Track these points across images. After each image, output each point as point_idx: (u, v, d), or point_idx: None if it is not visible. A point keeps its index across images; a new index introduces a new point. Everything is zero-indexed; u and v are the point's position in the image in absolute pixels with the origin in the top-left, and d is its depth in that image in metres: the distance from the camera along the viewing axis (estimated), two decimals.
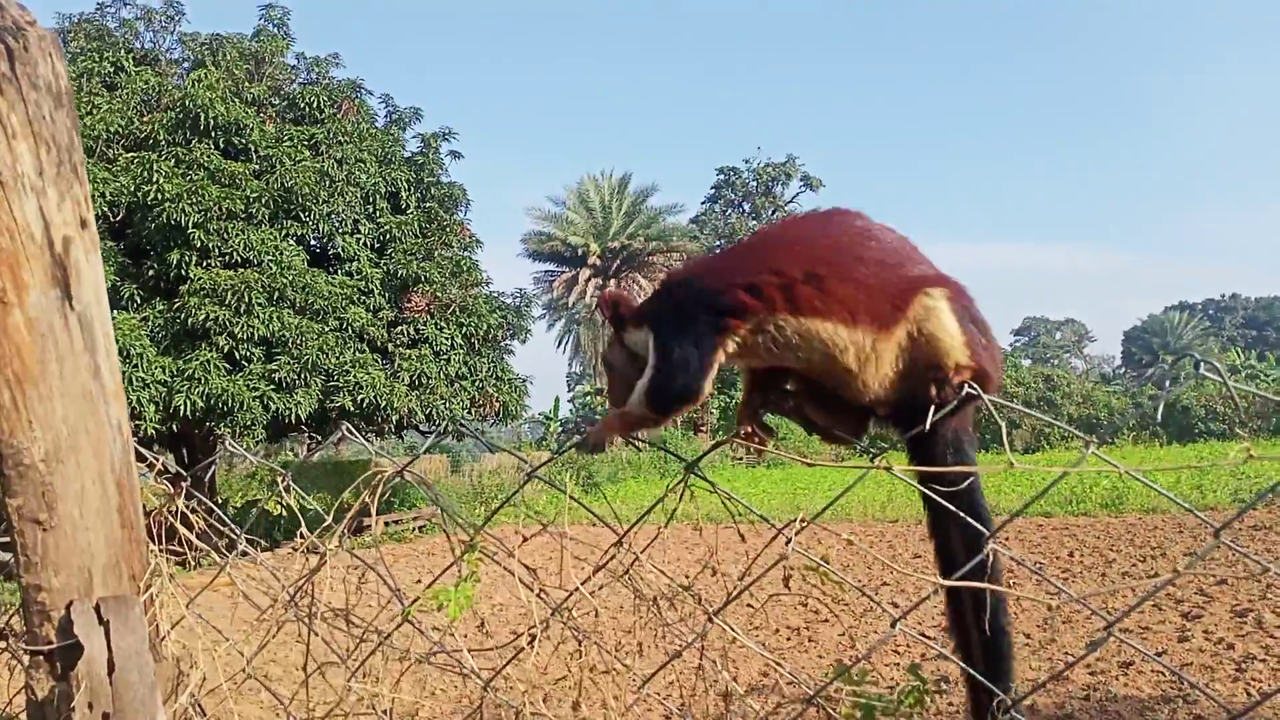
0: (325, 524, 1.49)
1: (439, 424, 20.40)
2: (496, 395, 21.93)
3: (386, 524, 18.75)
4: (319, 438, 20.88)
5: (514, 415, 23.74)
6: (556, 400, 50.26)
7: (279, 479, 1.68)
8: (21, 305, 1.45)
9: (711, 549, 1.28)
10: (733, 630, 1.20)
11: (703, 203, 48.16)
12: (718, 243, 45.57)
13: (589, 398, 51.46)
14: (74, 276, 1.49)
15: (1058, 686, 7.04)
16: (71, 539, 1.48)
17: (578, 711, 1.25)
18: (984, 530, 1.37)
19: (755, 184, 46.25)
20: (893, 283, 1.60)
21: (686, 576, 1.31)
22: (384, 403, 18.05)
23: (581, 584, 1.24)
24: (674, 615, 1.26)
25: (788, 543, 1.16)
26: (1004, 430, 1.06)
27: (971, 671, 1.27)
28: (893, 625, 1.18)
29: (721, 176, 47.32)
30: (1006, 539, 15.16)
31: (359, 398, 17.59)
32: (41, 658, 1.47)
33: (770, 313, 1.57)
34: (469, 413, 21.44)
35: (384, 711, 1.36)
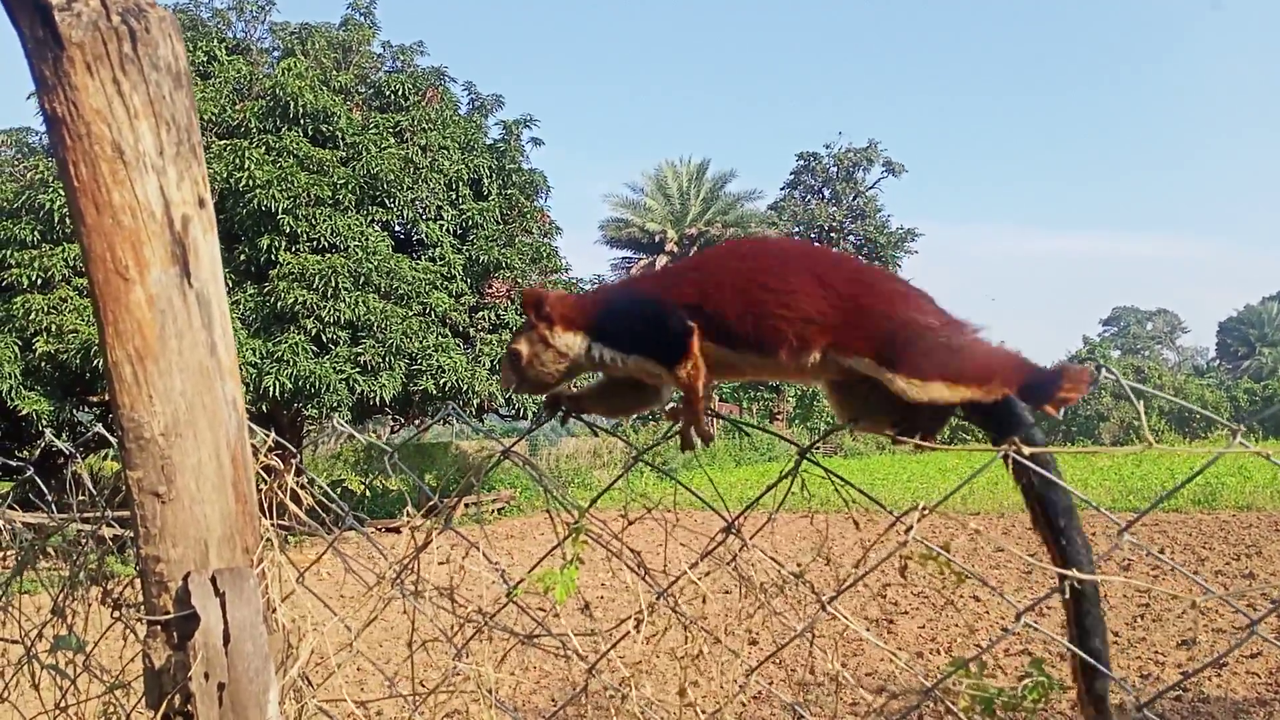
0: (431, 503, 1.51)
1: (518, 408, 20.67)
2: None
3: (466, 505, 19.02)
4: (402, 420, 21.30)
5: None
6: None
7: (386, 458, 1.70)
8: (143, 282, 1.48)
9: (822, 535, 1.25)
10: (846, 619, 1.17)
11: (782, 188, 47.63)
12: (796, 229, 45.08)
13: None
14: (192, 254, 1.52)
15: (1147, 686, 6.84)
16: (189, 511, 1.51)
17: (684, 697, 1.23)
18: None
19: (836, 169, 45.59)
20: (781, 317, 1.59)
21: (799, 564, 1.28)
22: (465, 386, 18.31)
23: (690, 568, 1.23)
24: (781, 603, 1.24)
25: (907, 530, 1.13)
26: (1141, 412, 1.00)
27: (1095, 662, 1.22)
28: (1017, 618, 1.14)
29: (801, 162, 46.74)
30: (1093, 534, 14.73)
31: (441, 381, 17.87)
32: (158, 627, 1.51)
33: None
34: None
35: (488, 690, 1.36)
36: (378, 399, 17.26)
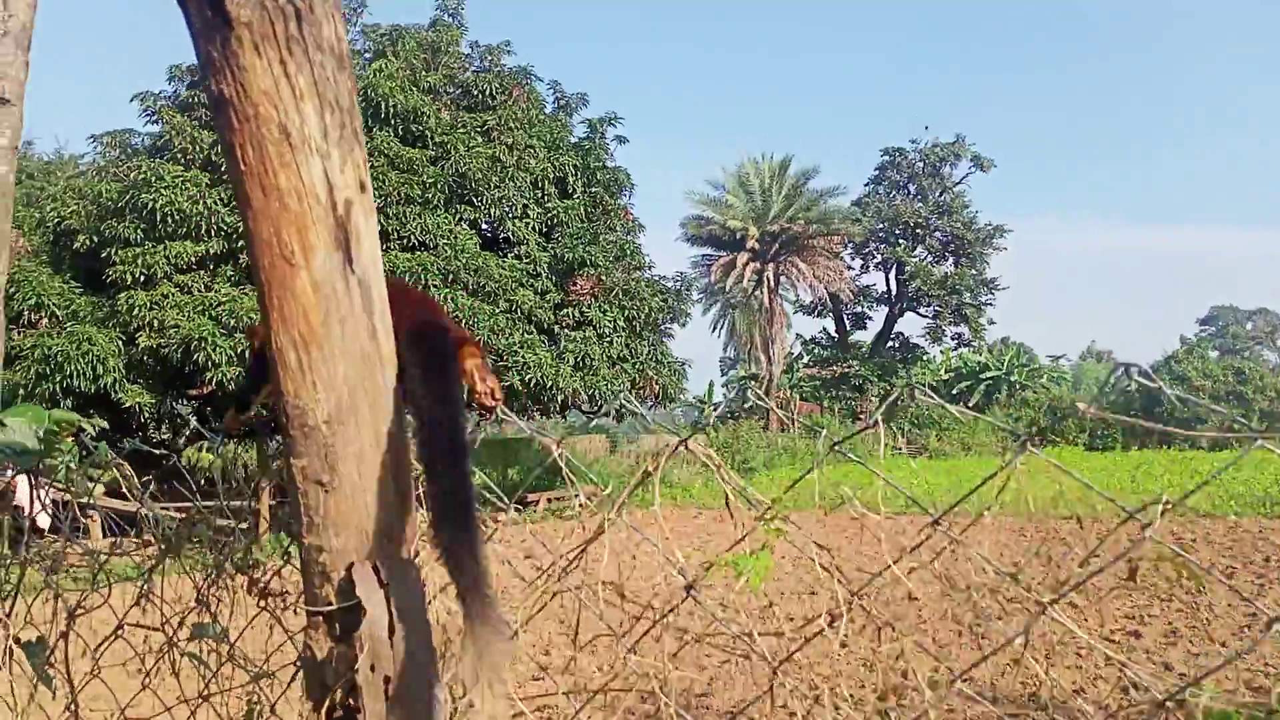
0: (607, 491, 1.45)
1: (600, 405, 20.78)
2: (656, 378, 22.17)
3: (549, 501, 19.10)
4: (484, 415, 21.50)
5: (672, 398, 23.92)
6: (710, 384, 50.28)
7: (556, 449, 1.65)
8: (308, 267, 1.45)
9: (1042, 534, 1.17)
10: (1066, 623, 1.08)
11: (866, 185, 46.88)
12: (880, 225, 44.32)
13: (743, 382, 51.20)
14: (354, 239, 1.49)
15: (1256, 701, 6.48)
16: (351, 500, 1.48)
17: (885, 701, 1.15)
18: None
19: (922, 165, 44.71)
20: None
21: (1014, 565, 1.19)
22: (550, 383, 18.44)
23: (893, 563, 1.14)
24: (992, 606, 1.15)
25: (1144, 528, 1.03)
26: None
27: None
28: (1268, 627, 1.03)
29: (886, 158, 45.93)
30: (1193, 540, 14.10)
31: (526, 377, 18.00)
32: (320, 618, 1.48)
33: None
34: (629, 394, 21.70)
35: (660, 687, 1.30)
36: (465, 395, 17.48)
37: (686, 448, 1.36)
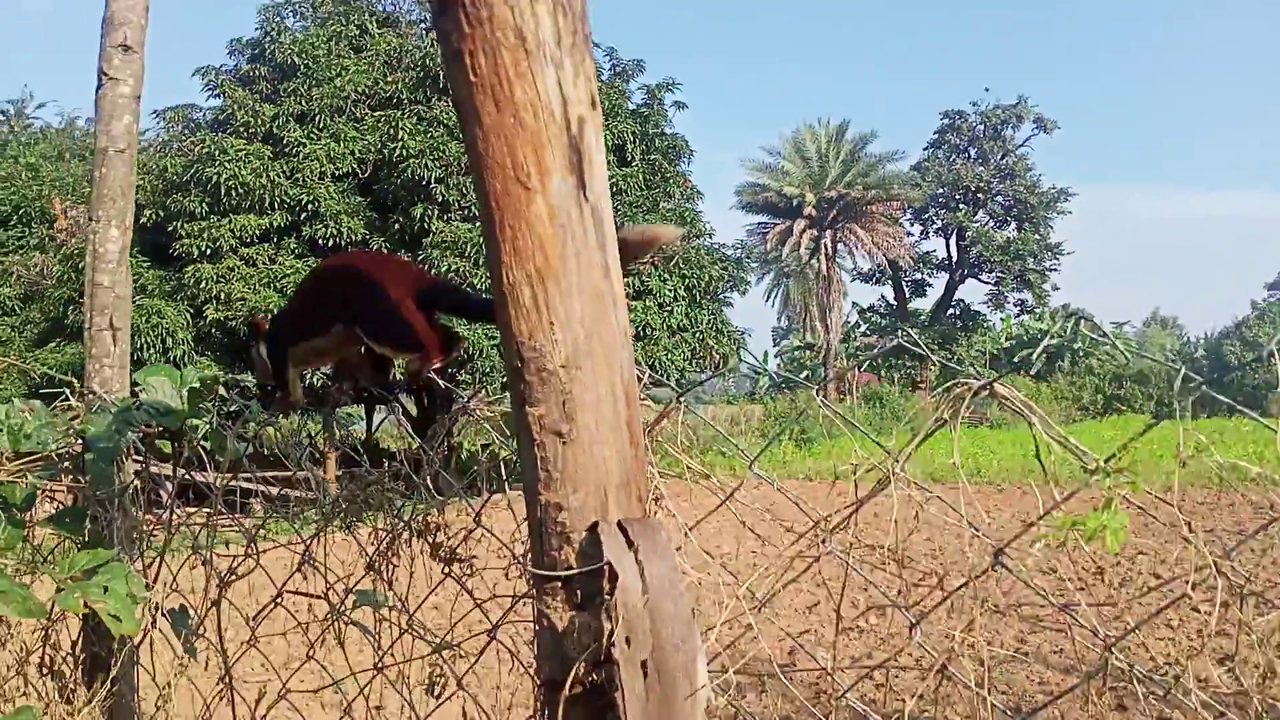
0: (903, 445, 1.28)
1: (661, 375, 20.62)
2: (716, 347, 21.97)
3: None
4: None
5: (733, 368, 23.70)
6: (766, 354, 50.00)
7: (813, 399, 1.49)
8: (544, 192, 1.29)
9: None
10: None
11: (925, 149, 45.86)
12: (940, 189, 43.36)
13: (796, 352, 50.76)
14: (587, 162, 1.32)
15: None
16: (589, 453, 1.32)
17: (1267, 684, 0.97)
18: None
19: (983, 128, 43.60)
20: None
21: None
22: None
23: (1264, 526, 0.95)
24: None
25: None
26: None
27: None
28: None
29: (946, 121, 44.86)
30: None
31: None
32: (558, 585, 1.33)
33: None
34: (689, 364, 21.56)
35: (981, 662, 1.13)
36: None
37: (991, 391, 1.18)
